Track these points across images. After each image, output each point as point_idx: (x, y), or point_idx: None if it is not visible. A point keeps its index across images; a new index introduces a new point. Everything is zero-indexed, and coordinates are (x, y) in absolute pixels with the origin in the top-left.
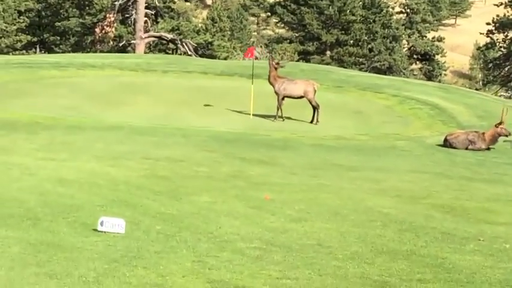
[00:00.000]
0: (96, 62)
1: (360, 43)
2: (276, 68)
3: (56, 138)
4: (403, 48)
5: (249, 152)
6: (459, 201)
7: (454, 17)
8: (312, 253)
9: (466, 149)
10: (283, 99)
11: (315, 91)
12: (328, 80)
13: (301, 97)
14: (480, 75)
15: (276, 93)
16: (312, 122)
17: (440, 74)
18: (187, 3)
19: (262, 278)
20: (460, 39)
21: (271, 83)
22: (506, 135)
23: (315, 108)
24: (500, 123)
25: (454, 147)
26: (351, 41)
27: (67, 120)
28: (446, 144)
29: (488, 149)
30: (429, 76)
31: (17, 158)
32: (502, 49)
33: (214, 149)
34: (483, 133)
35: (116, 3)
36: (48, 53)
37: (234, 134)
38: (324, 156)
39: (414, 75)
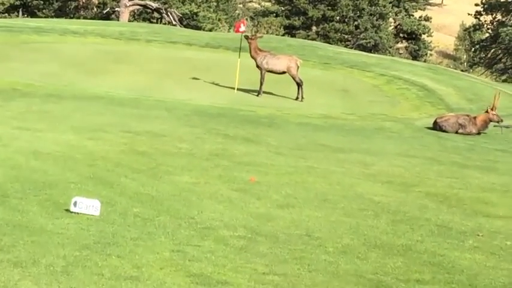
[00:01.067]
0: (79, 28)
1: (346, 19)
2: (252, 40)
3: (33, 106)
4: (390, 26)
5: (233, 129)
6: (453, 190)
7: None
8: (300, 245)
9: (456, 132)
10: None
11: (298, 67)
12: (314, 57)
13: (283, 72)
14: (465, 57)
15: (258, 67)
16: (297, 98)
17: (426, 54)
18: None
19: (247, 273)
20: (446, 20)
21: (252, 57)
22: (498, 122)
23: (299, 84)
24: (492, 109)
25: (444, 131)
26: (337, 17)
27: (46, 87)
28: (436, 127)
29: (478, 133)
30: (415, 55)
31: None
32: (489, 31)
33: (197, 124)
34: (474, 117)
35: None
36: (31, 17)
37: (218, 109)
38: (311, 136)
39: (400, 54)
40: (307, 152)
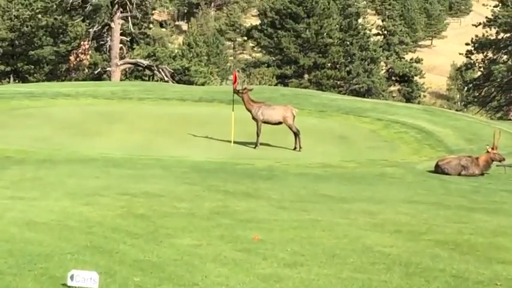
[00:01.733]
0: (70, 90)
1: (337, 66)
2: (243, 93)
3: (27, 173)
4: (382, 70)
5: (232, 184)
6: (463, 236)
7: (430, 38)
8: None
9: (459, 174)
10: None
11: (294, 116)
12: (309, 105)
13: (279, 123)
14: (458, 96)
15: (254, 118)
16: (294, 148)
17: (420, 96)
18: (163, 29)
19: None
20: (437, 60)
21: (247, 109)
22: (500, 161)
23: (296, 134)
24: (493, 148)
25: (446, 173)
26: (329, 64)
27: (39, 153)
28: (438, 170)
29: (481, 174)
30: (408, 98)
31: None
32: (481, 69)
33: (195, 181)
34: (476, 158)
35: (90, 30)
36: (22, 82)
37: (215, 164)
38: (312, 187)
39: (393, 97)
40: (309, 204)
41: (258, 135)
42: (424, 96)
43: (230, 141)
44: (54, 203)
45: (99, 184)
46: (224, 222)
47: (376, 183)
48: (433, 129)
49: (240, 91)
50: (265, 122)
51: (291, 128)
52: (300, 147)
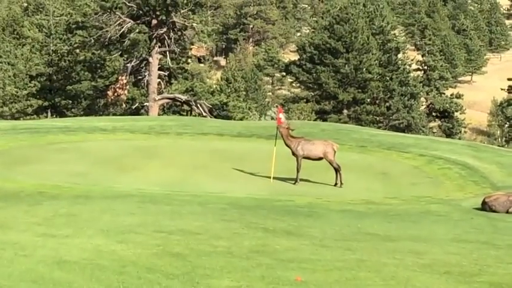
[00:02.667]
0: (107, 125)
1: (377, 101)
2: (286, 128)
3: (60, 209)
4: (422, 105)
5: (272, 221)
6: None
7: (470, 73)
8: None
9: (507, 212)
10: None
11: (335, 152)
12: (350, 140)
13: (320, 158)
14: (499, 132)
15: (294, 154)
16: (335, 185)
17: (460, 132)
18: (201, 65)
19: None
20: (477, 96)
21: (287, 145)
22: None
23: (337, 170)
24: None
25: (494, 211)
26: (368, 99)
27: (73, 188)
28: (485, 207)
29: None
30: (448, 134)
31: (14, 235)
32: None
33: (233, 218)
34: None
35: (128, 65)
36: (60, 117)
37: (254, 200)
38: (355, 224)
39: (433, 132)
40: (353, 242)
41: (298, 171)
42: (465, 132)
43: (270, 177)
44: (87, 241)
45: (134, 221)
46: (264, 262)
47: (421, 221)
48: (478, 165)
49: (284, 128)
50: (305, 158)
51: (331, 164)
52: (342, 184)
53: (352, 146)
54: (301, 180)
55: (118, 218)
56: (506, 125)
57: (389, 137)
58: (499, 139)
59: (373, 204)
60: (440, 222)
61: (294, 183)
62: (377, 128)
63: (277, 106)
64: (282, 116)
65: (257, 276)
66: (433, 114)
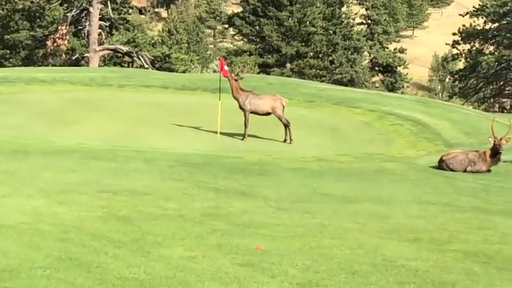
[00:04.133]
0: (46, 76)
1: (320, 55)
2: (236, 80)
3: None
4: (365, 60)
5: (223, 180)
6: (493, 246)
7: (412, 28)
8: None
9: (464, 171)
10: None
11: (284, 107)
12: (298, 94)
13: (268, 114)
14: (439, 87)
15: (242, 108)
16: (285, 141)
17: (403, 86)
18: (142, 16)
19: None
20: (418, 51)
21: (235, 97)
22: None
23: (286, 125)
24: (498, 138)
25: (451, 169)
26: (311, 53)
27: (11, 142)
28: (442, 165)
29: (488, 171)
30: (391, 88)
31: None
32: (467, 60)
33: (182, 176)
34: (484, 152)
35: (68, 14)
36: None
37: (202, 157)
38: (310, 184)
39: (376, 87)
40: (311, 204)
41: (245, 126)
42: (408, 86)
43: (216, 132)
44: (26, 201)
45: (76, 179)
46: (219, 227)
47: (377, 180)
48: (429, 121)
49: (234, 76)
50: (252, 112)
51: (280, 119)
52: (291, 140)
53: (300, 100)
54: (249, 136)
55: (59, 176)
56: (447, 80)
57: (337, 91)
58: (440, 94)
59: (325, 162)
60: (397, 182)
61: (242, 139)
62: (320, 82)
63: (218, 59)
64: (226, 67)
65: (213, 245)
66: (376, 68)
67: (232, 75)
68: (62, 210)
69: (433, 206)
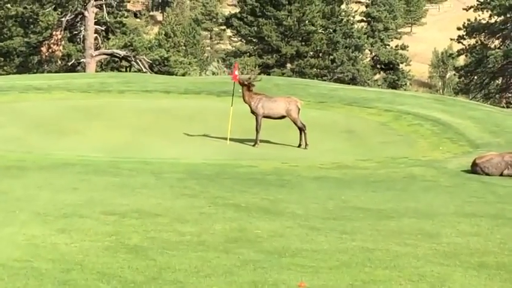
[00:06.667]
0: (42, 83)
1: (321, 54)
2: (248, 85)
3: None
4: (366, 58)
5: (241, 194)
6: None
7: (410, 25)
8: None
9: (501, 175)
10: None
11: (299, 109)
12: (307, 95)
13: (282, 117)
14: (440, 84)
15: (254, 113)
16: (299, 146)
17: (406, 84)
18: (138, 20)
19: None
20: (417, 48)
21: (246, 102)
22: None
23: (301, 129)
24: None
25: (487, 174)
26: (312, 53)
27: (5, 157)
28: (476, 169)
29: None
30: (394, 86)
31: None
32: (473, 55)
33: (195, 191)
34: None
35: (63, 19)
36: None
37: (214, 167)
38: (338, 196)
39: (378, 85)
40: (346, 222)
41: (257, 132)
42: (410, 84)
43: (226, 139)
44: (20, 230)
45: (78, 199)
46: (250, 258)
47: (409, 189)
48: (451, 120)
49: (247, 82)
50: (266, 117)
51: (295, 123)
52: (306, 144)
53: (311, 102)
54: (261, 141)
55: (58, 196)
56: (447, 76)
57: (349, 91)
58: (441, 90)
59: (348, 169)
60: (431, 190)
61: (254, 145)
62: (330, 82)
63: (218, 61)
64: (237, 72)
65: (246, 283)
66: (378, 66)
67: (245, 82)
68: (63, 240)
69: (482, 219)
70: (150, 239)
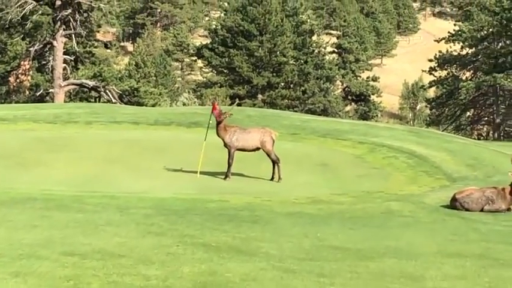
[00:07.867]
0: (7, 114)
1: (292, 85)
2: (225, 117)
3: None
4: (337, 89)
5: (211, 232)
6: None
7: (380, 56)
8: None
9: (481, 210)
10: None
11: (273, 141)
12: (280, 127)
13: (257, 149)
14: (410, 115)
15: (227, 145)
16: (272, 179)
17: (377, 115)
18: (108, 50)
19: None
20: (388, 79)
21: (220, 136)
22: None
23: (275, 162)
24: None
25: (467, 209)
26: (283, 83)
27: None
28: (456, 204)
29: (508, 209)
30: (365, 117)
31: None
32: (446, 87)
33: (163, 229)
34: (503, 189)
35: (31, 49)
36: None
37: (183, 202)
38: (314, 233)
39: (349, 116)
40: (323, 263)
41: (229, 165)
42: (381, 115)
43: (196, 172)
44: None
45: (36, 238)
46: None
47: (388, 226)
48: (426, 153)
49: (223, 116)
50: (240, 149)
51: (269, 155)
52: (280, 178)
53: (283, 133)
54: (233, 174)
55: (15, 235)
56: (418, 107)
57: (322, 122)
58: (411, 122)
59: (323, 204)
60: (410, 227)
61: (225, 179)
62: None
63: (188, 92)
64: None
65: None
66: (349, 97)
67: (225, 115)
68: (16, 285)
69: (467, 259)
70: (112, 283)
